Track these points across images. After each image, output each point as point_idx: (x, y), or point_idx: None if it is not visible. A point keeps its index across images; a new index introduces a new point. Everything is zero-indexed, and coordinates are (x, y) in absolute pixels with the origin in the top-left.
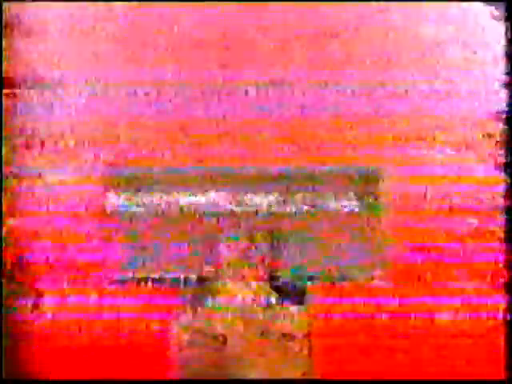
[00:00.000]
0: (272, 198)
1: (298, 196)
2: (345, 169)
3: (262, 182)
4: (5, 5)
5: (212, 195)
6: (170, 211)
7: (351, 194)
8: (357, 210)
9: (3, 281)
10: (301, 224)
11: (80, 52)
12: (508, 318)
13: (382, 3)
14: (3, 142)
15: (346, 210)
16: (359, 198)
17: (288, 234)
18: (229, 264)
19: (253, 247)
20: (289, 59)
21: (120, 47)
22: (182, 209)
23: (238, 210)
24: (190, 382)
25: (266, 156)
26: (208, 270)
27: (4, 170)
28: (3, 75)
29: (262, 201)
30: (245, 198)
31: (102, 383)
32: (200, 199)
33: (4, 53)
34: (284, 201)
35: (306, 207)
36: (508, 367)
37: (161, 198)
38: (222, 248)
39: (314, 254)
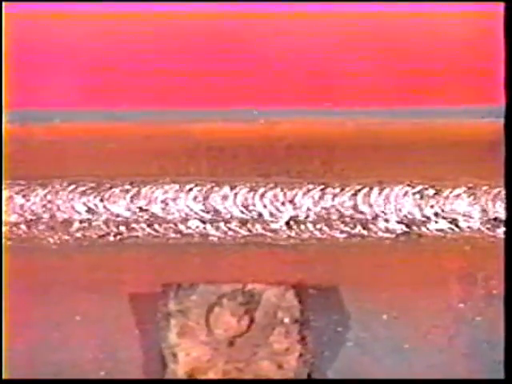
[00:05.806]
0: (303, 198)
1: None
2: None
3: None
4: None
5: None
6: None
7: None
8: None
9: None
10: (372, 272)
11: None
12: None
13: None
14: (3, 141)
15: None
16: None
17: (339, 299)
18: (208, 368)
19: (255, 329)
20: None
21: None
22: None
23: (219, 234)
24: (189, 381)
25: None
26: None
27: None
28: (3, 75)
29: (281, 216)
30: (235, 191)
31: (101, 383)
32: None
33: None
34: (328, 212)
35: (389, 227)
36: (508, 366)
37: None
38: (193, 333)
39: (406, 353)
